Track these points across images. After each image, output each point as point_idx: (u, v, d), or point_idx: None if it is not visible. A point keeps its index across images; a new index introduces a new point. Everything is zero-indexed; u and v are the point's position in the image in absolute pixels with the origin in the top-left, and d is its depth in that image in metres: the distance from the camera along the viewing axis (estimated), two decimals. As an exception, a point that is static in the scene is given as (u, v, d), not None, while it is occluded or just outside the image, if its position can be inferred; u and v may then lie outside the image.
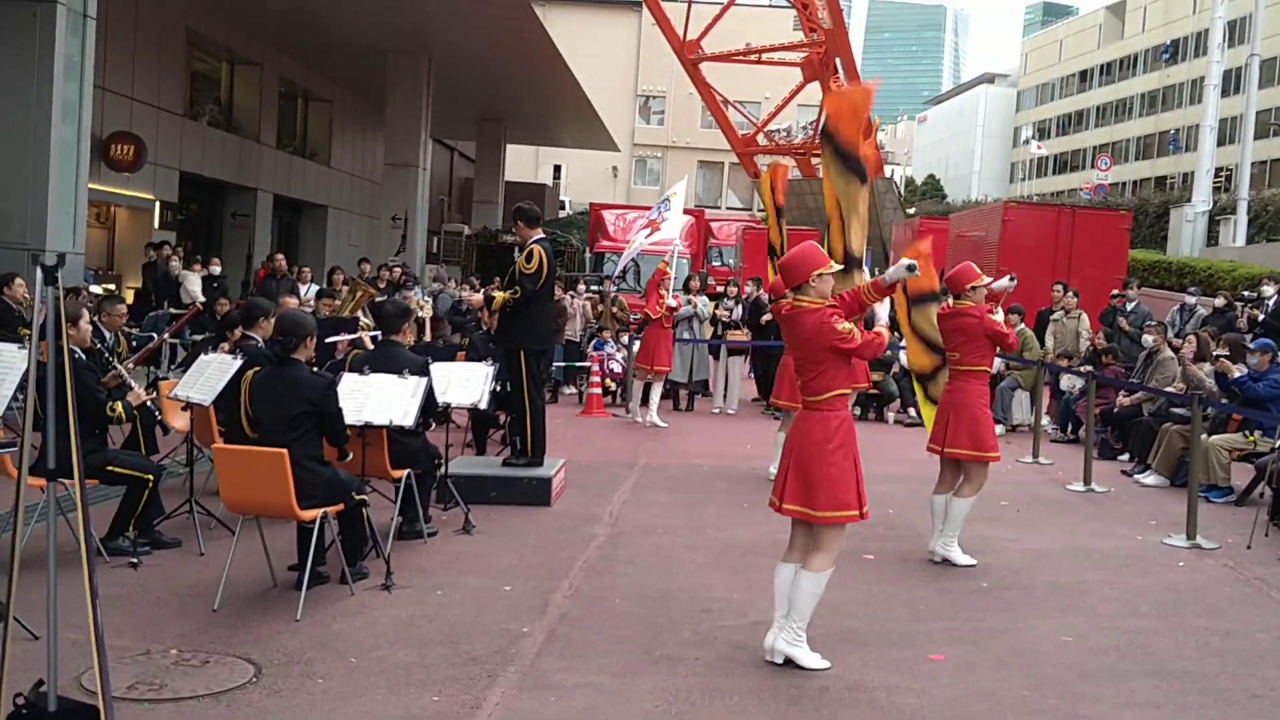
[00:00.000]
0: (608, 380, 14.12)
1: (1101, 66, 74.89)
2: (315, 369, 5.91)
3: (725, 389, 14.18)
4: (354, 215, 29.01)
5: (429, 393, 6.42)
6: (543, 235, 8.28)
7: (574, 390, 14.88)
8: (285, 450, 5.21)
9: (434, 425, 8.45)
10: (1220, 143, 33.71)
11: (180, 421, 7.50)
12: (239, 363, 6.43)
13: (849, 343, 4.83)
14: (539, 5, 35.43)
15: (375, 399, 6.09)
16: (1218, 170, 33.06)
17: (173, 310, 12.98)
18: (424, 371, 6.44)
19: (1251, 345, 9.77)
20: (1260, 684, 5.00)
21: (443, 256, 28.88)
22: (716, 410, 14.14)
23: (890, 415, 13.95)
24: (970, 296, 7.12)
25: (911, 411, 13.67)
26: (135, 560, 6.08)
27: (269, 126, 24.77)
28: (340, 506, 5.62)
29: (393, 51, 22.44)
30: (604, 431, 12.27)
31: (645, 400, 12.72)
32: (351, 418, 5.92)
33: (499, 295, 8.03)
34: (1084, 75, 77.03)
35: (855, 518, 4.92)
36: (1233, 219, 27.49)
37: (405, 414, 6.08)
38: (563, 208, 42.11)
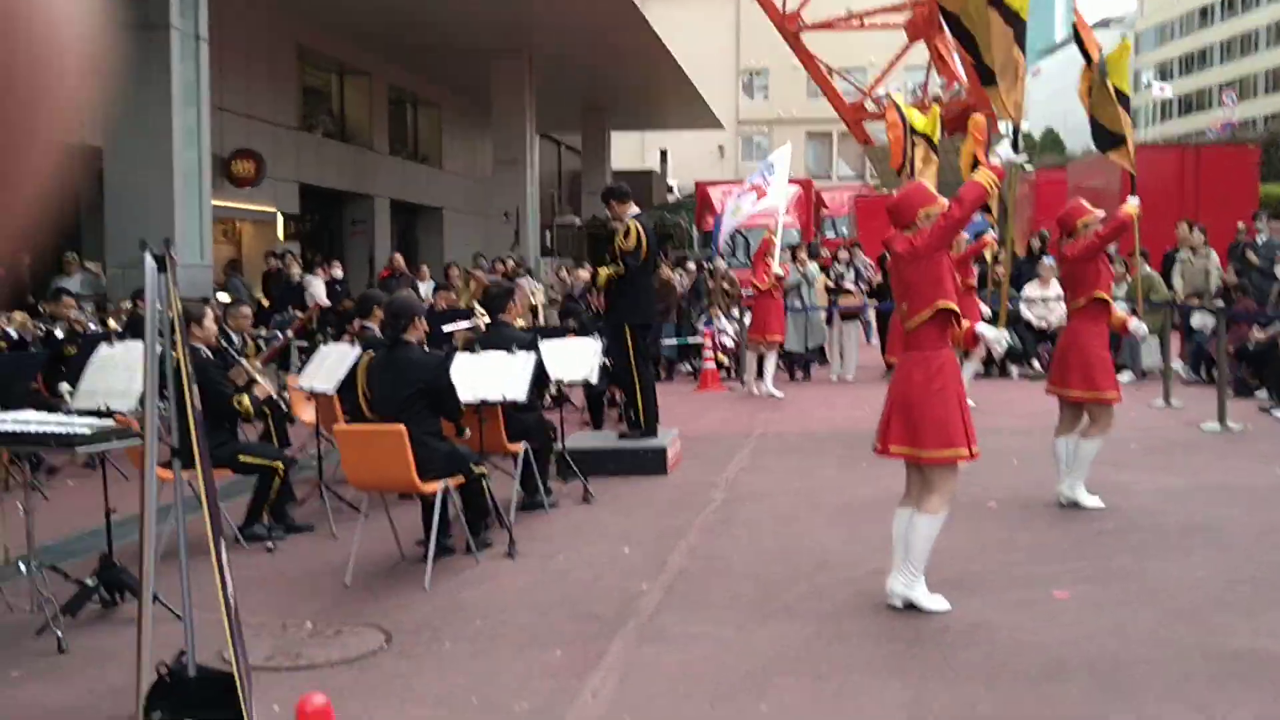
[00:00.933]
0: (721, 355, 14.13)
1: (1223, 1, 71.46)
2: (427, 349, 6.10)
3: (841, 355, 14.05)
4: (467, 215, 29.55)
5: (539, 367, 6.57)
6: (638, 211, 8.36)
7: (688, 368, 14.93)
8: (403, 426, 5.40)
9: (549, 403, 8.63)
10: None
11: (307, 413, 7.81)
12: (357, 350, 6.67)
13: (944, 218, 4.75)
14: (635, -10, 35.60)
15: (487, 376, 6.26)
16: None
17: (298, 314, 13.48)
18: (533, 347, 6.59)
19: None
20: None
21: (556, 249, 29.23)
22: (834, 378, 14.03)
23: (1014, 370, 13.64)
24: (1082, 234, 6.93)
25: (1035, 365, 13.36)
26: (270, 545, 6.37)
27: (381, 134, 25.42)
28: (460, 479, 5.80)
29: (496, 51, 22.78)
30: (720, 405, 12.30)
31: (760, 372, 12.70)
32: (466, 396, 6.10)
33: (604, 271, 8.15)
34: (1204, 12, 73.64)
35: (966, 456, 4.86)
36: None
37: (517, 388, 6.23)
38: (670, 191, 42.14)
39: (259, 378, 6.56)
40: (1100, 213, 7.04)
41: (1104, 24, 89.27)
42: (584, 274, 8.61)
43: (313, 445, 7.81)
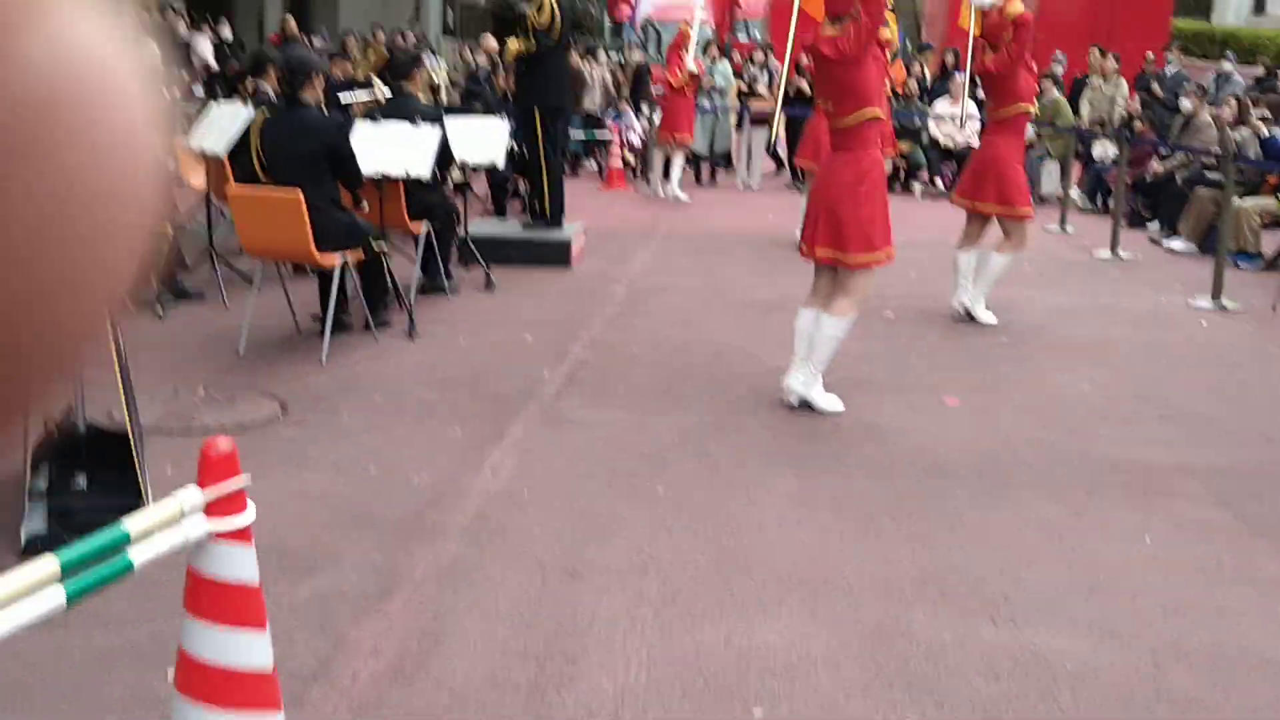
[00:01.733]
0: (627, 153, 13.84)
1: None
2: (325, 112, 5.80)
3: (749, 161, 13.90)
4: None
5: (444, 144, 6.31)
6: None
7: (594, 164, 14.61)
8: (299, 191, 5.16)
9: (451, 189, 8.37)
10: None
11: (197, 177, 7.44)
12: (250, 110, 6.31)
13: (866, 19, 4.52)
14: None
15: (389, 148, 5.99)
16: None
17: (184, 74, 12.72)
18: (438, 121, 6.31)
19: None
20: (1274, 427, 5.05)
21: (459, 30, 27.98)
22: (739, 184, 13.91)
23: (917, 187, 13.70)
24: (1005, 44, 6.82)
25: (938, 182, 13.44)
26: (159, 311, 6.15)
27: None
28: (360, 255, 5.62)
29: None
30: (624, 203, 12.13)
31: (666, 173, 12.50)
32: (367, 169, 5.84)
33: (513, 43, 7.76)
34: None
35: (884, 260, 4.87)
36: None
37: (421, 164, 5.99)
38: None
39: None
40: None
41: None
42: (491, 44, 8.15)
43: (203, 212, 7.47)
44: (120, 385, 3.47)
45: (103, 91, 0.32)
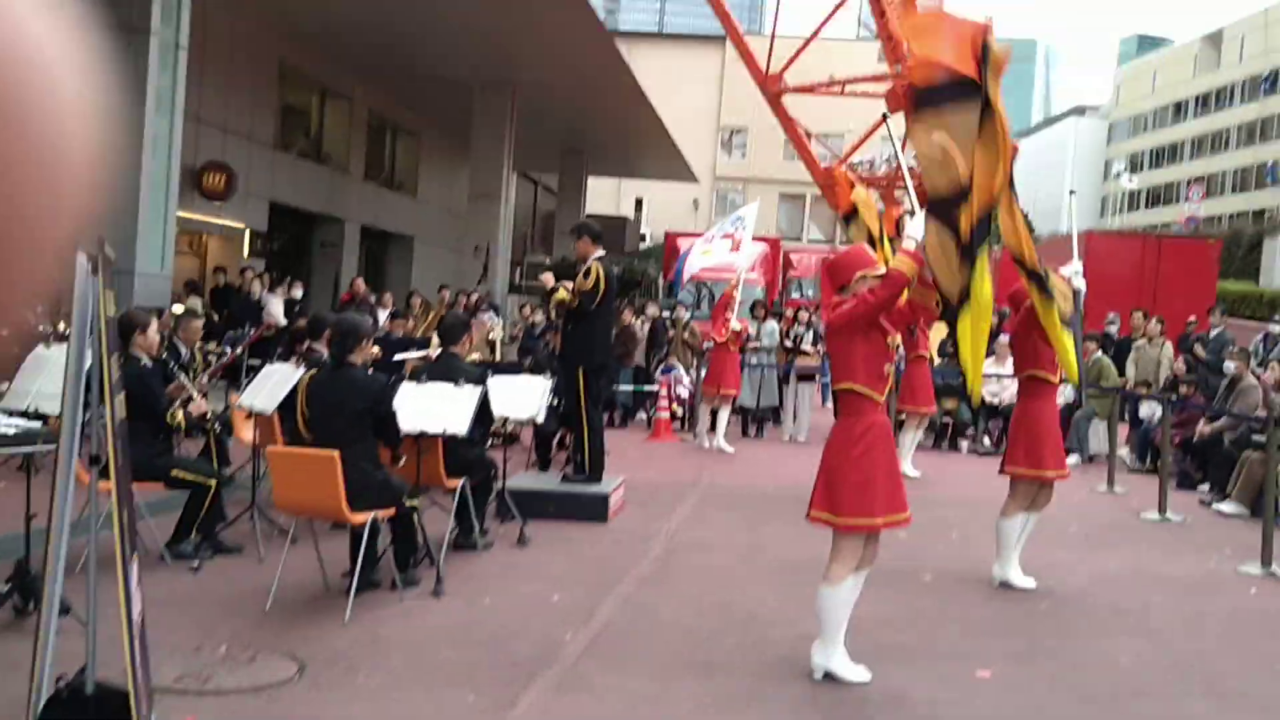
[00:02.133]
0: (675, 405, 14.12)
1: (1197, 98, 73.19)
2: (371, 373, 6.05)
3: (795, 416, 14.07)
4: (438, 246, 29.52)
5: (484, 403, 6.52)
6: (603, 254, 8.34)
7: (643, 416, 14.89)
8: (336, 451, 5.33)
9: (492, 441, 8.56)
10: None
11: (248, 433, 7.71)
12: (301, 371, 6.60)
13: (861, 303, 4.73)
14: (623, 42, 35.86)
15: (430, 407, 6.21)
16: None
17: (252, 331, 13.36)
18: (480, 381, 6.54)
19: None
20: (1324, 709, 4.82)
21: (525, 287, 29.20)
22: (786, 438, 14.04)
23: (964, 445, 13.72)
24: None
25: (986, 440, 13.44)
26: (196, 564, 6.25)
27: (357, 158, 25.40)
28: (392, 510, 5.73)
29: (479, 85, 22.88)
30: (670, 455, 12.27)
31: (713, 425, 12.70)
32: (406, 426, 6.04)
33: (561, 291, 8.08)
34: (1178, 107, 75.34)
35: (875, 526, 4.85)
36: (1331, 249, 26.65)
37: (459, 422, 6.18)
38: (643, 240, 42.37)
39: (195, 394, 6.47)
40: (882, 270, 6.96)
41: (1080, 111, 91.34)
42: (549, 278, 8.43)
43: (250, 466, 7.68)
44: (127, 644, 3.51)
45: (38, 78, 0.37)
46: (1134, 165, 77.59)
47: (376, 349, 5.94)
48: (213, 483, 6.37)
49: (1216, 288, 18.15)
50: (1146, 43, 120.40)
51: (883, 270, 4.96)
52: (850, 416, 4.86)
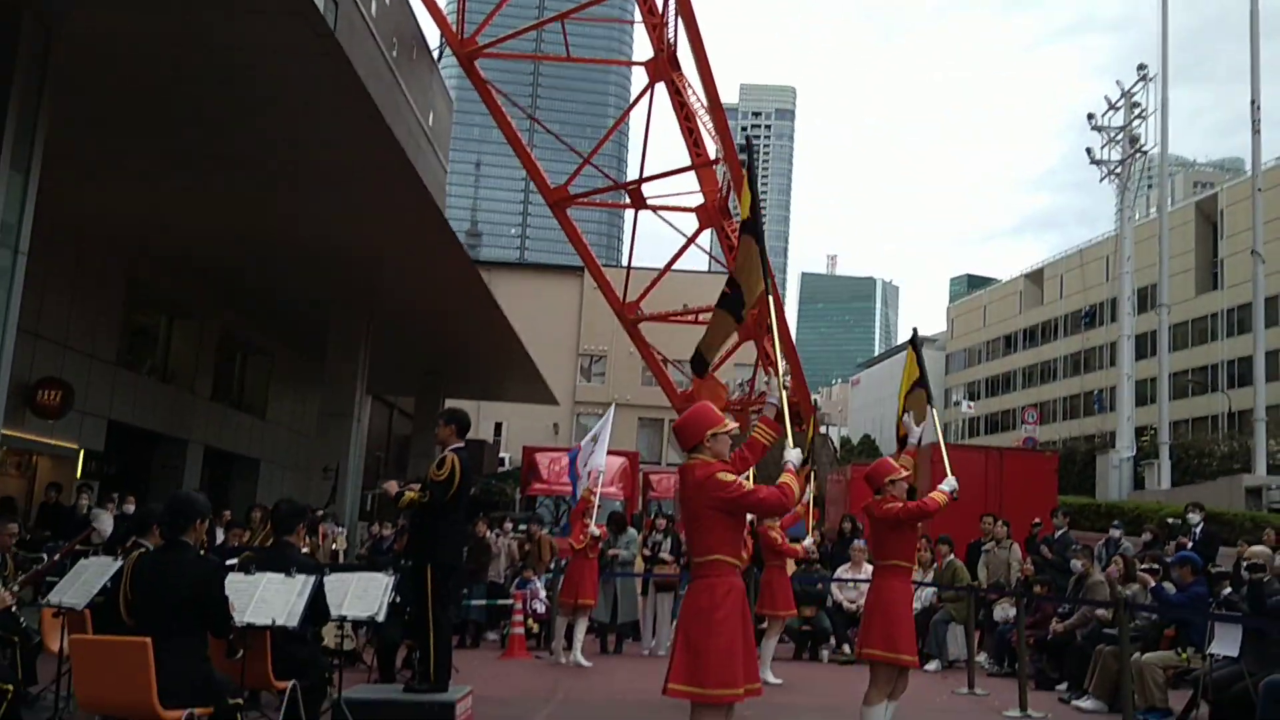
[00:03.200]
0: (531, 621, 13.59)
1: (1025, 331, 78.34)
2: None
3: (655, 628, 13.68)
4: (286, 468, 28.68)
5: (319, 598, 6.10)
6: (462, 445, 8.06)
7: (496, 635, 14.24)
8: (149, 640, 4.84)
9: (336, 661, 7.99)
10: (1140, 403, 35.06)
11: (54, 640, 7.02)
12: (119, 563, 6.09)
13: (735, 491, 4.68)
14: (485, 271, 36.63)
15: (259, 598, 5.76)
16: (1140, 430, 34.27)
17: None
18: (314, 571, 6.14)
19: (1170, 559, 9.71)
20: None
21: (376, 514, 28.37)
22: (646, 652, 13.59)
23: (825, 653, 13.51)
24: (889, 490, 7.06)
25: (845, 649, 13.26)
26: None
27: (205, 377, 24.76)
28: (210, 710, 5.19)
29: (335, 305, 22.79)
30: (524, 671, 11.70)
31: (569, 642, 12.21)
32: (234, 618, 5.57)
33: (408, 493, 7.74)
34: (1008, 340, 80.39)
35: (742, 696, 4.63)
36: (1156, 463, 28.11)
37: (289, 614, 5.74)
38: (502, 464, 42.07)
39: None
40: (905, 471, 7.22)
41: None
42: (392, 485, 8.05)
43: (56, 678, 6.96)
44: None
45: None
46: (971, 394, 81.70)
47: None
48: (9, 687, 5.71)
49: (1058, 497, 18.79)
50: (975, 281, 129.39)
51: (732, 427, 4.94)
52: (710, 578, 4.70)
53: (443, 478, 7.64)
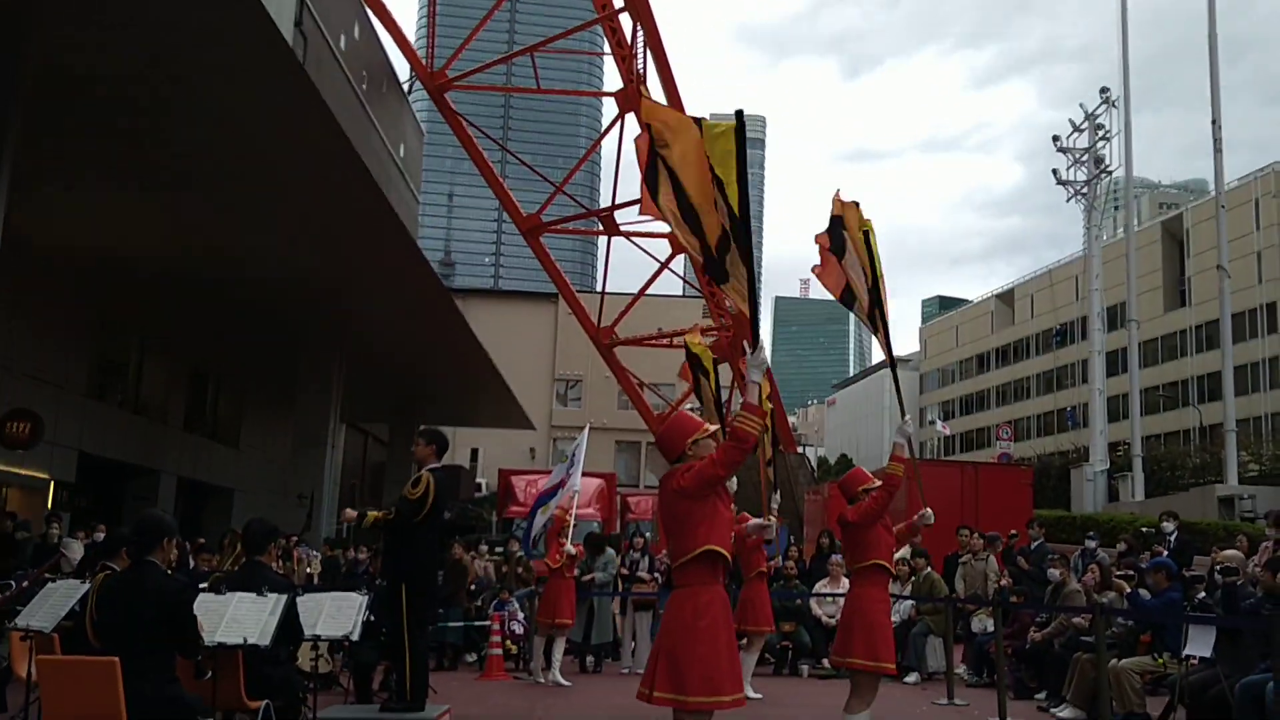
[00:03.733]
0: (509, 642, 13.49)
1: (997, 350, 78.87)
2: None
3: (634, 647, 13.60)
4: (260, 496, 28.45)
5: (292, 617, 6.03)
6: (439, 466, 8.02)
7: (474, 657, 14.14)
8: (116, 659, 4.78)
9: (311, 685, 7.91)
10: (1112, 418, 35.36)
11: (22, 666, 6.91)
12: (86, 586, 6.02)
13: (692, 468, 4.65)
14: (459, 298, 36.58)
15: (231, 617, 5.70)
16: (1113, 445, 34.58)
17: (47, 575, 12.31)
18: (287, 590, 6.08)
19: (1145, 565, 9.76)
20: None
21: (352, 540, 28.17)
22: (625, 670, 13.50)
23: (804, 668, 13.48)
24: (862, 499, 7.08)
25: (825, 663, 13.23)
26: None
27: (177, 408, 24.60)
28: (180, 732, 5.11)
29: (307, 333, 22.72)
30: (502, 692, 11.61)
31: (548, 660, 12.14)
32: (205, 638, 5.51)
33: (371, 513, 7.69)
34: (981, 359, 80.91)
35: (728, 704, 4.60)
36: (1130, 475, 28.31)
37: (261, 632, 5.68)
38: (479, 490, 41.91)
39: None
40: (878, 481, 7.25)
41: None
42: (350, 513, 7.99)
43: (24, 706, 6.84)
44: None
45: None
46: (946, 413, 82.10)
47: (174, 550, 5.45)
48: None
49: (1033, 509, 18.90)
50: (947, 302, 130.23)
51: (713, 429, 4.92)
52: (692, 586, 4.67)
53: (416, 496, 7.61)
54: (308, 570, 11.65)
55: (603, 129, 31.04)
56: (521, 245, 49.53)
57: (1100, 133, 33.59)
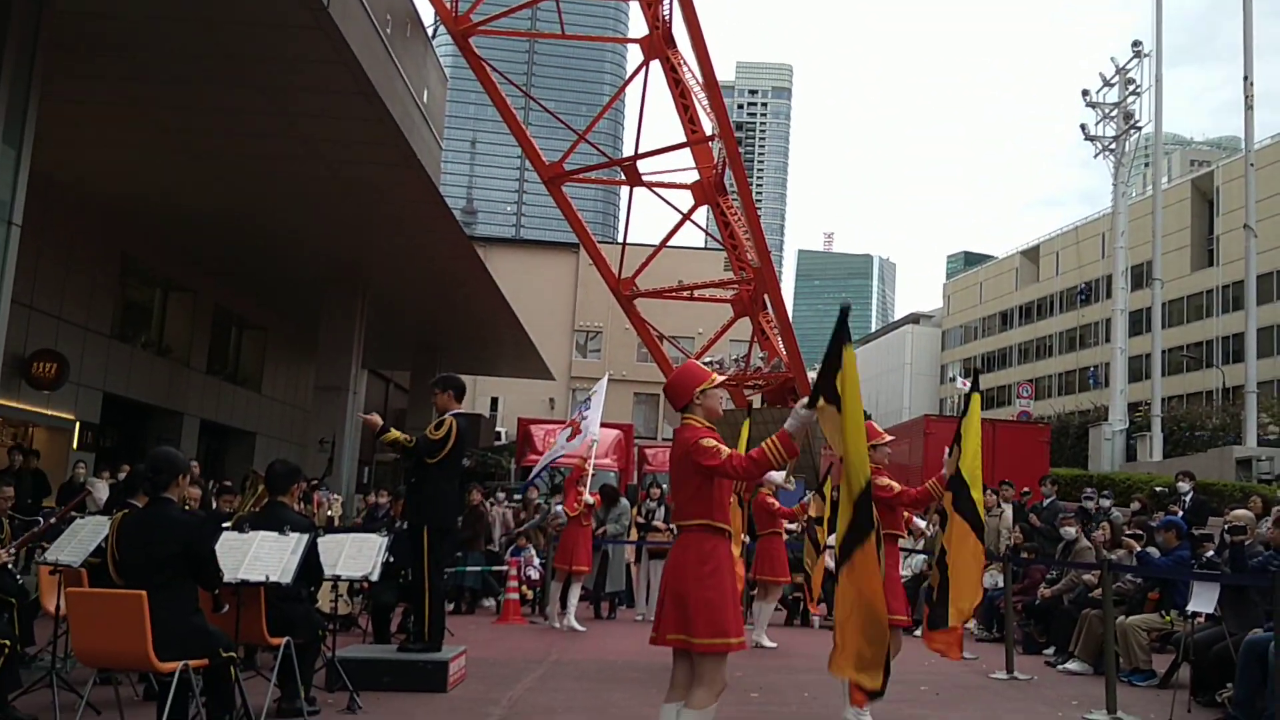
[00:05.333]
0: (525, 588, 13.72)
1: (1020, 308, 78.36)
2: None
3: (649, 594, 13.80)
4: (282, 441, 28.76)
5: (313, 553, 6.18)
6: (461, 412, 8.17)
7: (492, 602, 14.39)
8: (143, 592, 4.93)
9: (333, 626, 8.09)
10: (1134, 378, 35.23)
11: (51, 599, 7.09)
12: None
13: (713, 460, 4.70)
14: (480, 246, 36.58)
15: (253, 555, 5.85)
16: (1133, 405, 34.42)
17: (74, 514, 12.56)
18: (308, 530, 6.22)
19: (1156, 524, 9.82)
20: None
21: (374, 486, 28.50)
22: (639, 617, 13.72)
23: (816, 619, 13.65)
24: (872, 456, 7.15)
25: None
26: (-21, 734, 5.63)
27: (200, 352, 24.82)
28: (205, 661, 5.28)
29: (330, 280, 22.83)
30: (518, 635, 11.83)
31: (564, 604, 12.35)
32: (227, 575, 5.66)
33: (394, 432, 7.81)
34: (1004, 316, 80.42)
35: (735, 646, 4.72)
36: (1148, 435, 28.26)
37: (283, 570, 5.83)
38: (498, 438, 42.19)
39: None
40: (889, 437, 7.34)
41: (915, 319, 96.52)
42: (375, 419, 8.09)
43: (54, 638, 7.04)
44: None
45: None
46: (967, 370, 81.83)
47: (197, 490, 5.59)
48: (6, 643, 5.79)
49: (1049, 465, 18.93)
50: (972, 258, 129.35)
51: (720, 380, 4.98)
52: (696, 535, 4.76)
53: (438, 437, 7.77)
54: (329, 514, 11.85)
55: (627, 76, 30.72)
56: (543, 195, 49.46)
57: (1131, 87, 33.14)
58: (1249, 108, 28.37)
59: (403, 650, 7.96)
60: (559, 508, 13.46)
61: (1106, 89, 33.73)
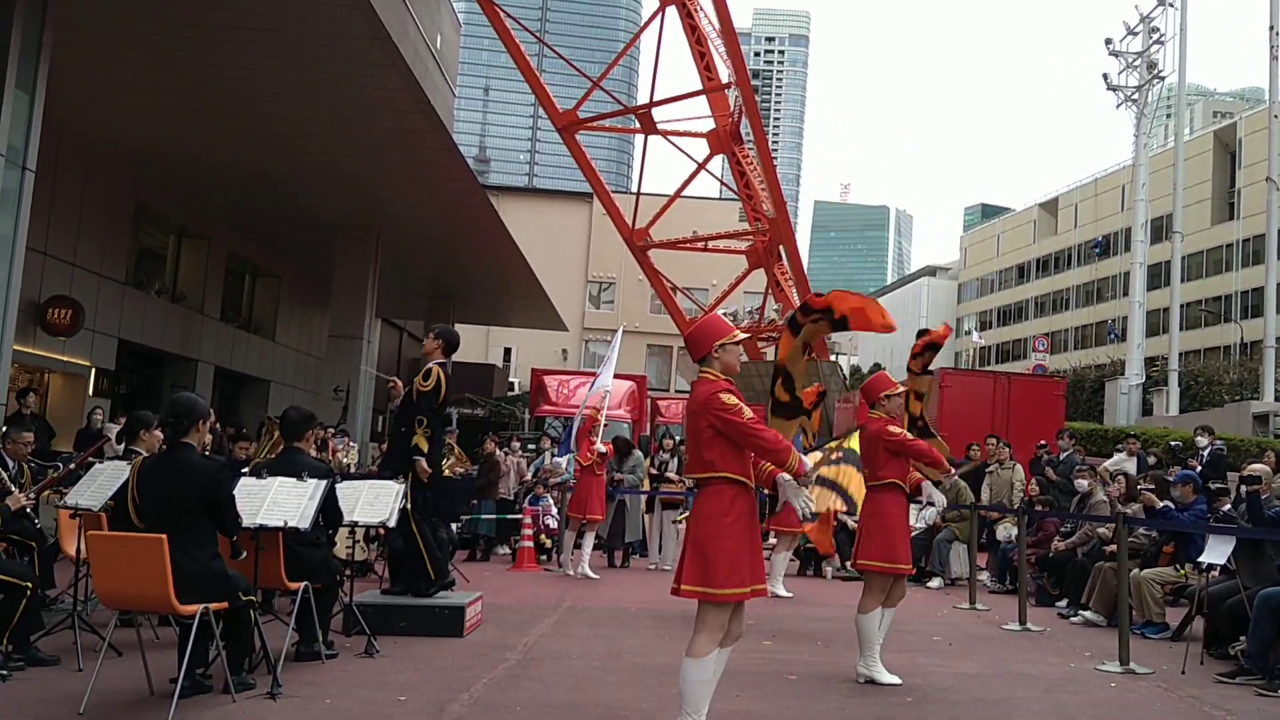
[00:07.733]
0: (542, 536, 13.80)
1: (1038, 261, 77.84)
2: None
3: (661, 544, 13.88)
4: (297, 389, 28.84)
5: (331, 499, 6.20)
6: (445, 362, 8.13)
7: (507, 550, 14.49)
8: (164, 535, 4.95)
9: (350, 573, 8.12)
10: (1152, 333, 35.01)
11: (71, 544, 7.15)
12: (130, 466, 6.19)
13: (735, 415, 4.65)
14: (493, 195, 36.39)
15: (271, 501, 5.87)
16: (1150, 360, 34.22)
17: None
18: (326, 476, 6.24)
19: (1172, 478, 9.79)
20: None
21: (387, 435, 28.58)
22: (652, 566, 13.81)
23: (829, 570, 13.70)
24: (884, 406, 7.14)
25: (849, 566, 13.44)
26: (4, 673, 5.68)
27: (214, 299, 24.83)
28: (225, 604, 5.32)
29: (343, 228, 22.78)
30: (532, 582, 11.91)
31: (577, 550, 12.43)
32: (246, 521, 5.69)
33: (420, 438, 7.75)
34: (1021, 269, 79.93)
35: (745, 595, 4.72)
36: (1165, 390, 28.14)
37: (302, 516, 5.86)
38: (511, 389, 42.29)
39: (12, 487, 6.00)
40: (902, 388, 7.31)
41: (931, 272, 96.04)
42: (397, 385, 8.17)
43: (74, 581, 7.11)
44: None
45: None
46: (983, 324, 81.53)
47: (209, 436, 5.61)
48: (29, 585, 5.85)
49: (1064, 419, 18.87)
50: (990, 210, 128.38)
51: (741, 337, 4.92)
52: (719, 485, 4.73)
53: (429, 388, 7.74)
54: (344, 460, 11.90)
55: (643, 22, 30.36)
56: (557, 143, 49.11)
57: (1155, 36, 32.63)
58: (1274, 58, 27.93)
59: (416, 594, 7.93)
60: (558, 460, 13.50)
61: (1130, 37, 33.23)
